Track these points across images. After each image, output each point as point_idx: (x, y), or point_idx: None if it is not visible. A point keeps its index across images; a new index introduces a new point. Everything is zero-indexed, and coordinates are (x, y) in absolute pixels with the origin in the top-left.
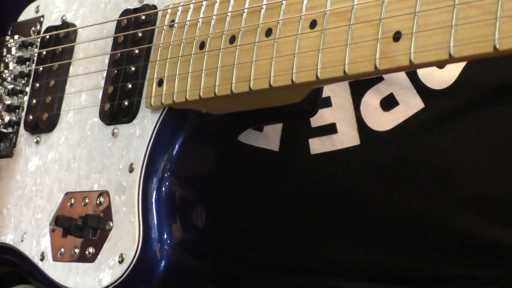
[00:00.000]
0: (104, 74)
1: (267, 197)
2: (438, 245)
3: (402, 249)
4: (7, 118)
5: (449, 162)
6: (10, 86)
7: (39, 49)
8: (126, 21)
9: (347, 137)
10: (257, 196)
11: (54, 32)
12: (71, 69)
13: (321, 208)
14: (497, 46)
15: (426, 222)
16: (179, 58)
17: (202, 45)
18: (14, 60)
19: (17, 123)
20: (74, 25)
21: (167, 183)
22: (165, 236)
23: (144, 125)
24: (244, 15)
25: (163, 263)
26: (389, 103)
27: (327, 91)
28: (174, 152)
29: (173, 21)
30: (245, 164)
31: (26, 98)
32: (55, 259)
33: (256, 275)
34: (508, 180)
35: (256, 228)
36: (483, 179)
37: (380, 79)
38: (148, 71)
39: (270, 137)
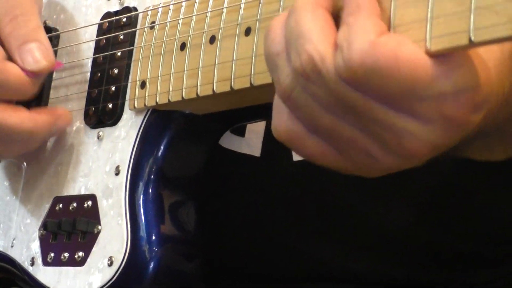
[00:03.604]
0: (88, 77)
1: (249, 204)
2: (431, 253)
3: (393, 256)
4: None
5: (439, 169)
6: None
7: None
8: (107, 24)
9: None
10: (239, 203)
11: None
12: (55, 74)
13: (305, 215)
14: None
15: (417, 229)
16: (161, 59)
17: (183, 46)
18: None
19: None
20: (56, 30)
21: (153, 185)
22: (154, 237)
23: (129, 127)
24: (223, 14)
25: (152, 264)
26: None
27: None
28: (160, 153)
29: (153, 22)
30: (227, 170)
31: None
32: (45, 263)
33: (240, 283)
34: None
35: (239, 235)
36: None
37: None
38: (131, 73)
39: (252, 143)
